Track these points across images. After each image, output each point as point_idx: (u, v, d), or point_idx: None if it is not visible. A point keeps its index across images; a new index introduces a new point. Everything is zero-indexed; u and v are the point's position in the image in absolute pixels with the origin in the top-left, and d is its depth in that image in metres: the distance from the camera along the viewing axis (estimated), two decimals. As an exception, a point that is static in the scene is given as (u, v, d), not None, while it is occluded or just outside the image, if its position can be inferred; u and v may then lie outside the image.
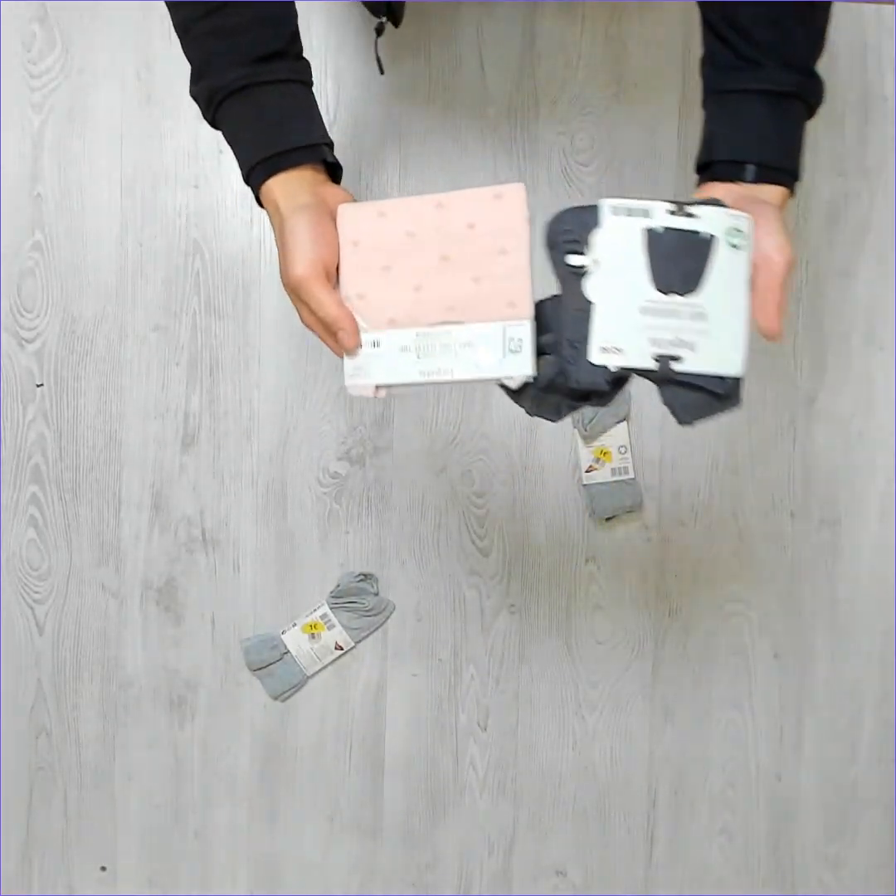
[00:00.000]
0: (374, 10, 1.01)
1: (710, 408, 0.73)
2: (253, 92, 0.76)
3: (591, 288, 0.71)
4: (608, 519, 1.27)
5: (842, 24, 1.25)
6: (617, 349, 0.71)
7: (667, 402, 0.73)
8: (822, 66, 1.32)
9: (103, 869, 1.30)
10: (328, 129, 0.80)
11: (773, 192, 0.77)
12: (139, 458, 1.26)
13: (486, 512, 1.28)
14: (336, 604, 1.25)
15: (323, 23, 1.24)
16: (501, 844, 1.31)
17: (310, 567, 1.26)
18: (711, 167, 0.78)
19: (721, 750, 1.31)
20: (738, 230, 0.72)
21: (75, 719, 1.28)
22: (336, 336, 0.76)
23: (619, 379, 0.72)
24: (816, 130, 1.24)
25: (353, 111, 1.24)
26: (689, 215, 0.71)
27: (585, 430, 1.27)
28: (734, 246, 0.71)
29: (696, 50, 0.80)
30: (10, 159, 1.24)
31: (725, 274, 0.71)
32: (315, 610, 1.27)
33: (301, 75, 0.79)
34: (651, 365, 0.71)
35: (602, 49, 1.25)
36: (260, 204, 0.79)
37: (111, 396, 1.26)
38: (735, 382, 0.72)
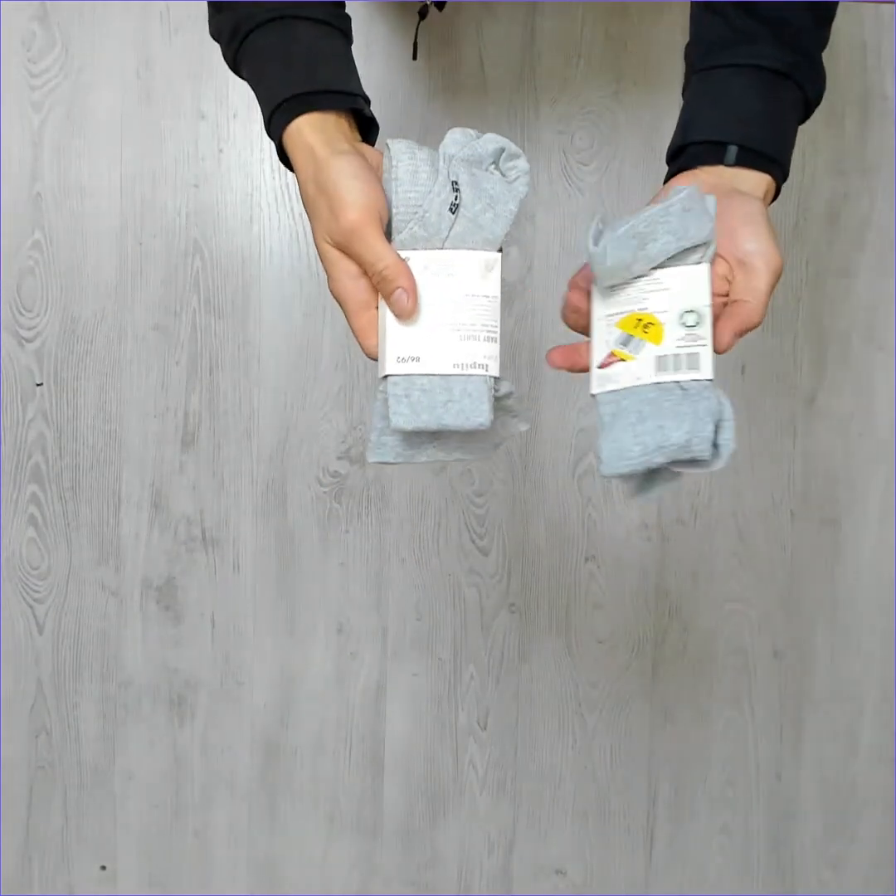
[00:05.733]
0: None
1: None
2: (286, 25, 0.65)
3: None
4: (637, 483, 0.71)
5: (842, 24, 1.24)
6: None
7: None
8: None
9: (103, 869, 1.30)
10: None
11: (756, 181, 0.64)
12: (139, 457, 1.26)
13: (486, 511, 1.28)
14: None
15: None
16: (501, 844, 1.31)
17: (310, 566, 1.26)
18: (685, 152, 0.67)
19: (721, 749, 1.31)
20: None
21: (75, 719, 1.28)
22: (391, 296, 0.63)
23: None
24: (816, 130, 1.24)
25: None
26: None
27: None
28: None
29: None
30: (10, 159, 1.24)
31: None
32: None
33: (340, 24, 0.68)
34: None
35: (602, 49, 1.25)
36: (282, 157, 0.67)
37: (111, 395, 1.26)
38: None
